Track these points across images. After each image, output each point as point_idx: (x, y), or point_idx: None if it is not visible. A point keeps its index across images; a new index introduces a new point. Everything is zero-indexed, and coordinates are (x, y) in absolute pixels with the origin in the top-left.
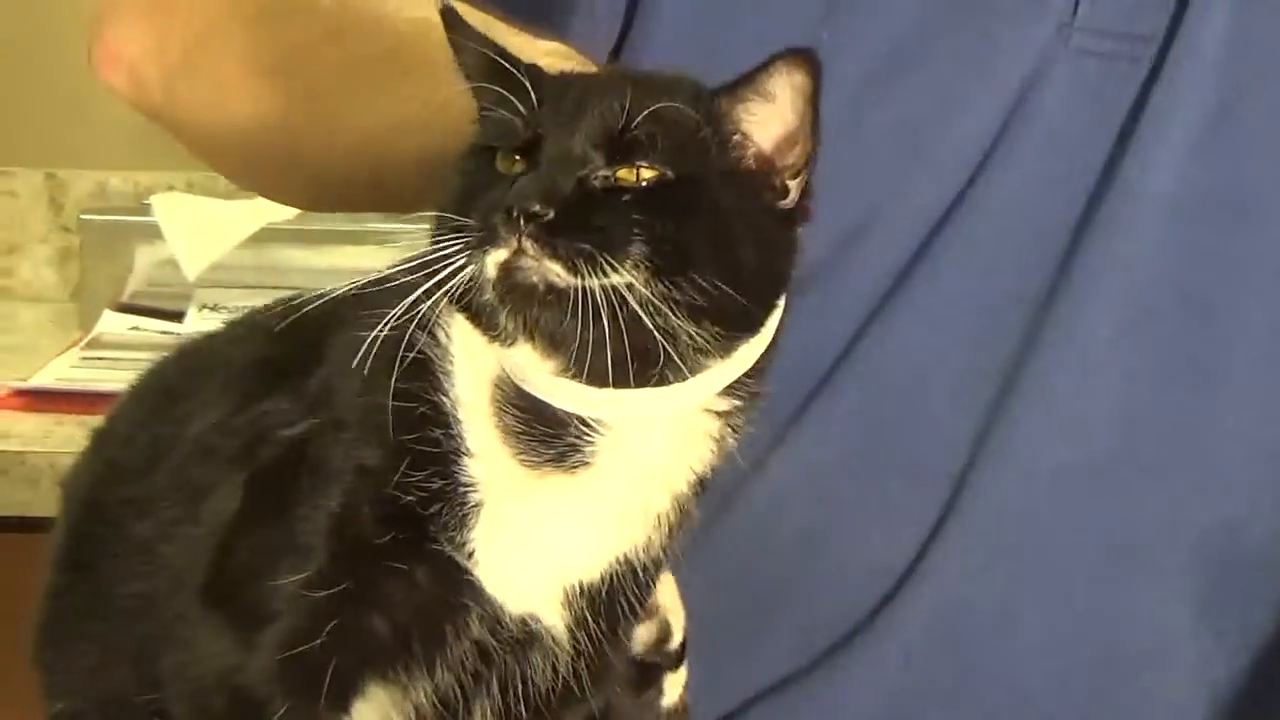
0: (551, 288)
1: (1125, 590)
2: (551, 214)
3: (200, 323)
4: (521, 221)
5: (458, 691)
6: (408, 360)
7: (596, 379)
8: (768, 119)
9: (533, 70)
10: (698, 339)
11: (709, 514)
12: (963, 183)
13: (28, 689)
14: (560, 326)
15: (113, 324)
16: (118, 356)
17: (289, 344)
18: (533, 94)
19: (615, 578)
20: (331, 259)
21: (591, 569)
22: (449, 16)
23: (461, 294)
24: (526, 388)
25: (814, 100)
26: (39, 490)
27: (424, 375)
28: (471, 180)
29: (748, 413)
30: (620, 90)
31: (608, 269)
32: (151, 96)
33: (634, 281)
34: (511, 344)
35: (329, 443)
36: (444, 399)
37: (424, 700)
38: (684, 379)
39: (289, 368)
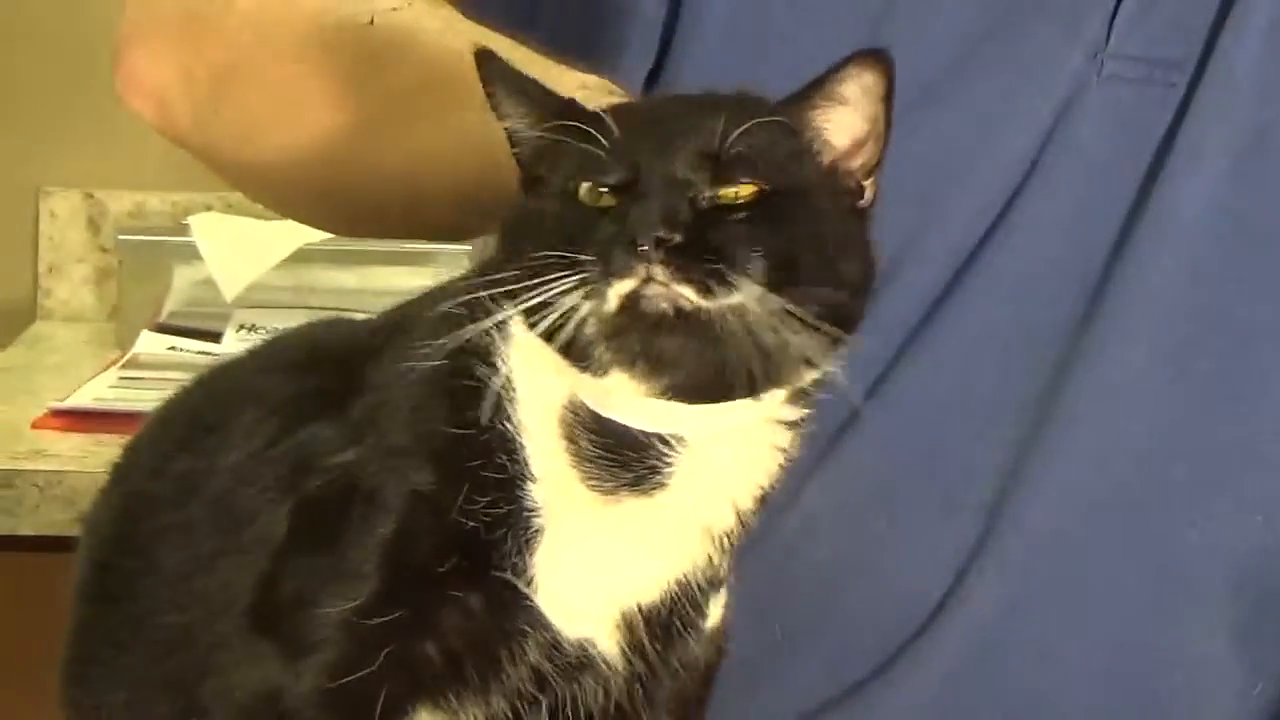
0: (680, 312)
1: (1162, 620)
2: (677, 238)
3: (238, 343)
4: (650, 249)
5: (509, 717)
6: (466, 388)
7: (695, 397)
8: (842, 122)
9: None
10: (807, 349)
11: (741, 544)
12: (996, 212)
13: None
14: (679, 350)
15: (150, 344)
16: (155, 376)
17: (323, 373)
18: (613, 127)
19: (673, 599)
20: (368, 280)
21: (651, 591)
22: (485, 62)
23: (550, 330)
24: (609, 414)
25: (887, 99)
26: (77, 510)
27: (479, 399)
28: (560, 218)
29: (809, 424)
30: (707, 111)
31: (733, 288)
32: (179, 124)
33: (756, 297)
34: (604, 374)
35: (380, 470)
36: (506, 425)
37: None
38: (778, 389)
39: (325, 396)
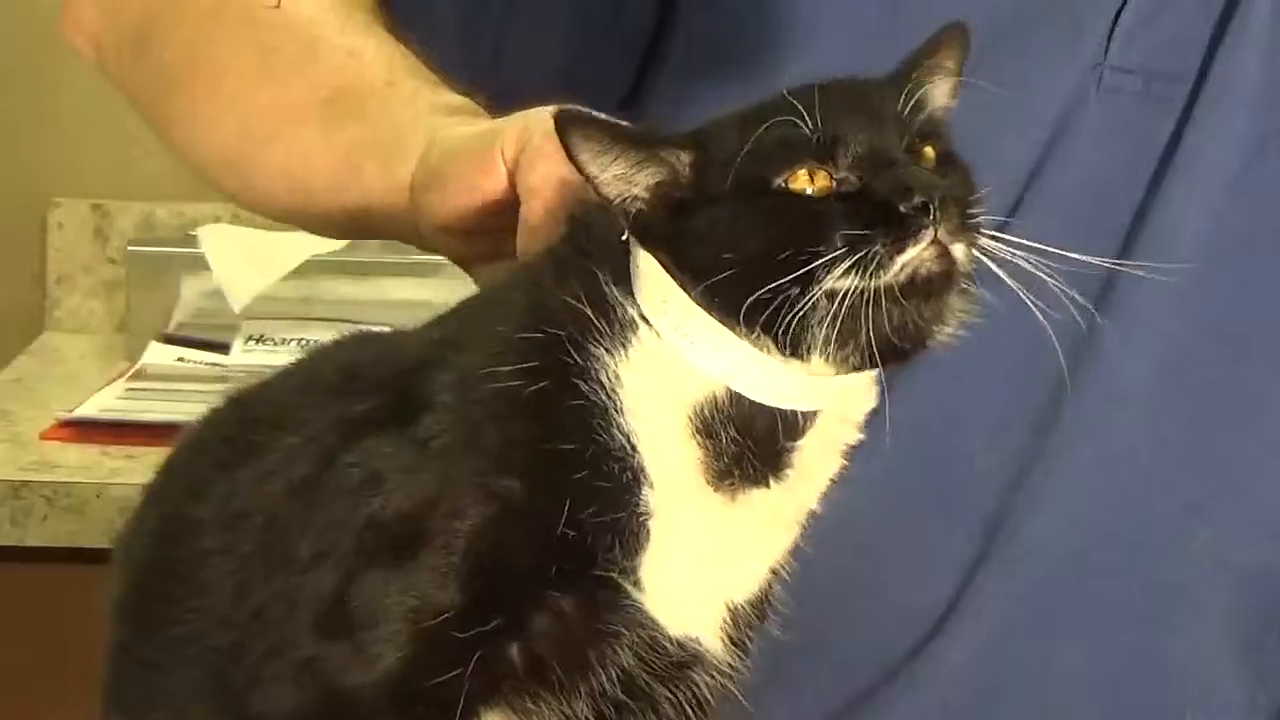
0: (946, 274)
1: (1167, 633)
2: (951, 195)
3: (246, 354)
4: (936, 209)
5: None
6: (562, 403)
7: (885, 365)
8: (941, 89)
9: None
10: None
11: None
12: (997, 225)
13: (76, 715)
14: (934, 314)
15: (159, 355)
16: (164, 388)
17: (369, 394)
18: (818, 108)
19: (765, 589)
20: (377, 291)
21: (754, 583)
22: (569, 126)
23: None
24: (777, 403)
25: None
26: (85, 520)
27: (583, 415)
28: (780, 212)
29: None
30: (865, 88)
31: (980, 247)
32: (109, 67)
33: (993, 254)
34: (808, 358)
35: (463, 487)
36: (614, 435)
37: None
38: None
39: (378, 416)
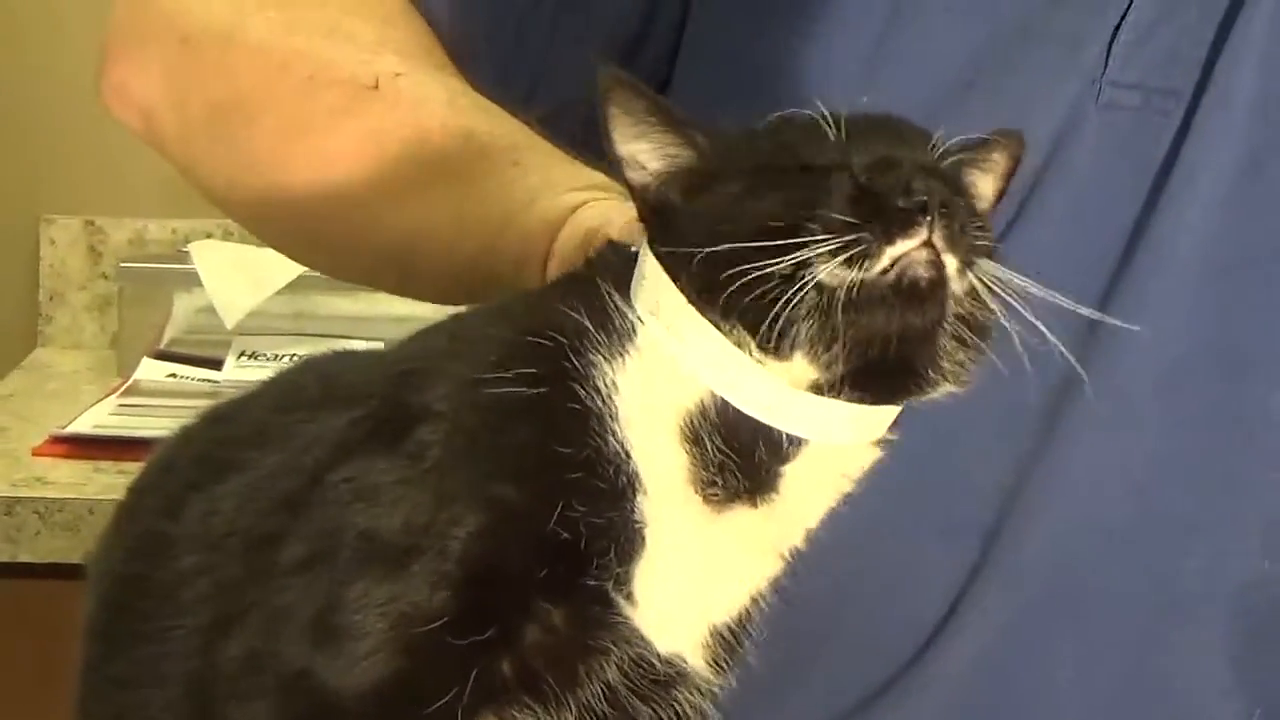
0: (932, 283)
1: (1163, 646)
2: (953, 200)
3: (239, 370)
4: (935, 208)
5: None
6: (558, 407)
7: (869, 389)
8: (981, 184)
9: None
10: (971, 359)
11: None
12: (994, 238)
13: None
14: (916, 326)
15: (151, 371)
16: (156, 404)
17: (353, 407)
18: (845, 122)
19: (743, 615)
20: (370, 306)
21: (734, 606)
22: (616, 87)
23: (759, 300)
24: (756, 413)
25: (1009, 176)
26: (77, 537)
27: (581, 420)
28: (779, 183)
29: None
30: (907, 127)
31: (980, 268)
32: (165, 140)
33: (991, 283)
34: (789, 355)
35: (458, 497)
36: (609, 440)
37: None
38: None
39: (365, 430)
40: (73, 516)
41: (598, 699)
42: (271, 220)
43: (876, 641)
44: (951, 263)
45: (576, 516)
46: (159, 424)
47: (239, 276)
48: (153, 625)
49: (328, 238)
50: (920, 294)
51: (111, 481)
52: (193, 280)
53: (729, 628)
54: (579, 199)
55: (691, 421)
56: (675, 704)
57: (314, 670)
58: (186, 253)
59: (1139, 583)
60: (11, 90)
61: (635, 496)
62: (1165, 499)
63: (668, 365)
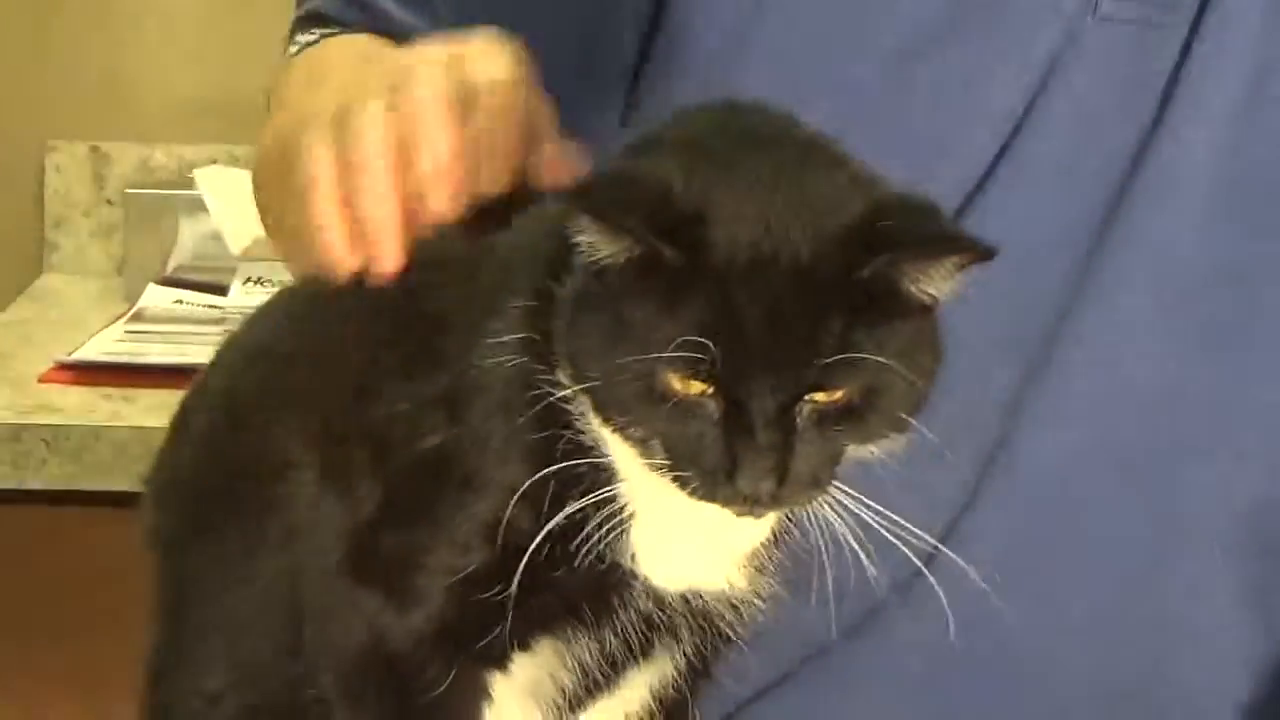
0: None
1: (1168, 565)
2: (783, 492)
3: (244, 296)
4: (762, 501)
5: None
6: (541, 402)
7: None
8: (937, 282)
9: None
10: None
11: None
12: (993, 157)
13: (75, 657)
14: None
15: (157, 297)
16: (162, 330)
17: (383, 344)
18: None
19: (776, 534)
20: None
21: (756, 539)
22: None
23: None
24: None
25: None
26: (83, 463)
27: (559, 413)
28: (659, 406)
29: None
30: (809, 310)
31: (822, 499)
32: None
33: (837, 510)
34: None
35: (475, 457)
36: (584, 435)
37: (589, 659)
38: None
39: (389, 369)
40: (79, 443)
41: (635, 624)
42: None
43: (880, 556)
44: (770, 509)
45: (570, 492)
46: (165, 350)
47: (245, 202)
48: (202, 572)
49: None
50: (758, 510)
51: (118, 408)
52: (198, 206)
53: (760, 549)
54: None
55: None
56: (722, 619)
57: (357, 599)
58: (192, 179)
59: (1139, 505)
60: (15, 18)
61: (617, 482)
62: (1170, 419)
63: None
